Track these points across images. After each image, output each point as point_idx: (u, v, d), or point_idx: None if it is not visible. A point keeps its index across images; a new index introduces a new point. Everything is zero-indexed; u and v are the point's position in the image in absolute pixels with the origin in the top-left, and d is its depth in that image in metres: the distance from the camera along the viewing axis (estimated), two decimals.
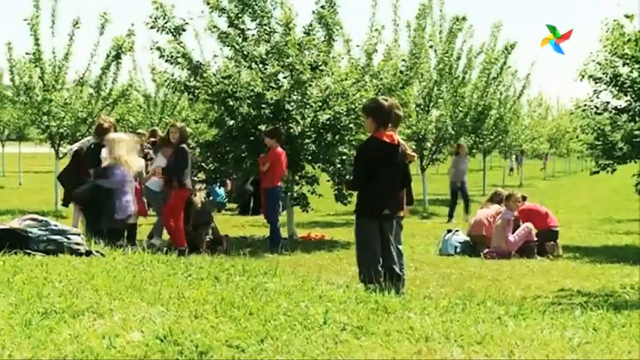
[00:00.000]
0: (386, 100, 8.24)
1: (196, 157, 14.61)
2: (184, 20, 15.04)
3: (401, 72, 16.90)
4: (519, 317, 4.46)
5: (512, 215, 13.90)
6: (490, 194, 16.03)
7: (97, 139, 11.74)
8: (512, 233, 13.69)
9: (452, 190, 21.03)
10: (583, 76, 14.90)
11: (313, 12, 15.53)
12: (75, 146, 13.28)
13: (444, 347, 3.62)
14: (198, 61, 15.19)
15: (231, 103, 14.69)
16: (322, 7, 15.36)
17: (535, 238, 13.87)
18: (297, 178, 15.47)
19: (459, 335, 3.84)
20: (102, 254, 6.30)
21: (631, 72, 14.40)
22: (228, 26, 15.35)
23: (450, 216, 20.50)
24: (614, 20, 14.23)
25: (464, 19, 23.31)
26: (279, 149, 13.31)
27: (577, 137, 21.98)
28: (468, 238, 14.15)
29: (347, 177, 14.63)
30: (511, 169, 50.67)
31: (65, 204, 12.99)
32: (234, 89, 14.82)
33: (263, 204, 14.06)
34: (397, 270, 8.05)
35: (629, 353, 3.75)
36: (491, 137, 29.20)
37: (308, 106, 14.74)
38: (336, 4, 15.48)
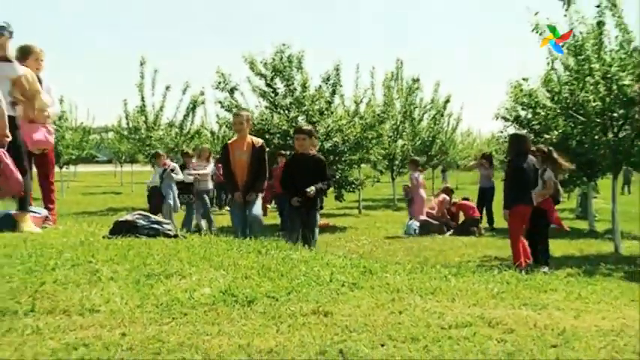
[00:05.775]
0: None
1: None
2: (237, 83, 15.33)
3: (378, 115, 16.94)
4: (458, 276, 4.41)
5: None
6: (441, 188, 16.10)
7: (180, 162, 11.73)
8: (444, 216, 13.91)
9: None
10: (497, 117, 15.00)
11: (321, 76, 15.70)
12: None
13: (409, 296, 3.59)
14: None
15: (267, 136, 14.76)
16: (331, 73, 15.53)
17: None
18: None
19: (419, 288, 3.81)
20: (184, 237, 6.26)
21: (527, 115, 14.46)
22: (265, 85, 15.57)
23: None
24: (516, 80, 14.28)
25: (418, 79, 23.38)
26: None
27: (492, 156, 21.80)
28: (423, 222, 14.07)
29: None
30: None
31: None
32: (268, 127, 14.95)
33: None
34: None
35: (530, 298, 3.71)
36: (437, 157, 29.11)
37: (317, 138, 14.77)
38: (340, 70, 15.73)
